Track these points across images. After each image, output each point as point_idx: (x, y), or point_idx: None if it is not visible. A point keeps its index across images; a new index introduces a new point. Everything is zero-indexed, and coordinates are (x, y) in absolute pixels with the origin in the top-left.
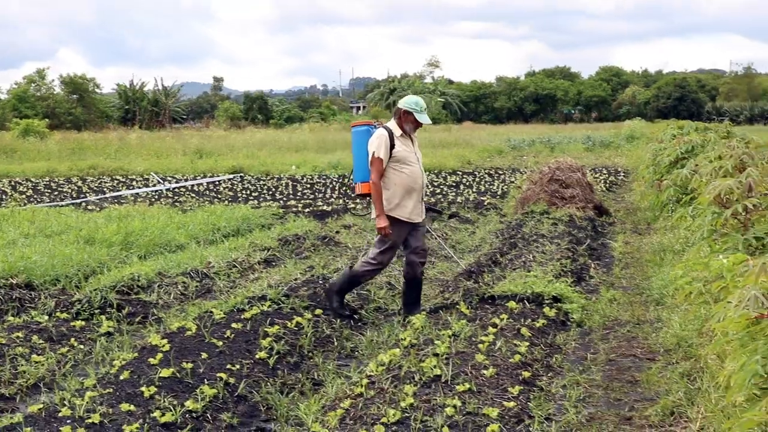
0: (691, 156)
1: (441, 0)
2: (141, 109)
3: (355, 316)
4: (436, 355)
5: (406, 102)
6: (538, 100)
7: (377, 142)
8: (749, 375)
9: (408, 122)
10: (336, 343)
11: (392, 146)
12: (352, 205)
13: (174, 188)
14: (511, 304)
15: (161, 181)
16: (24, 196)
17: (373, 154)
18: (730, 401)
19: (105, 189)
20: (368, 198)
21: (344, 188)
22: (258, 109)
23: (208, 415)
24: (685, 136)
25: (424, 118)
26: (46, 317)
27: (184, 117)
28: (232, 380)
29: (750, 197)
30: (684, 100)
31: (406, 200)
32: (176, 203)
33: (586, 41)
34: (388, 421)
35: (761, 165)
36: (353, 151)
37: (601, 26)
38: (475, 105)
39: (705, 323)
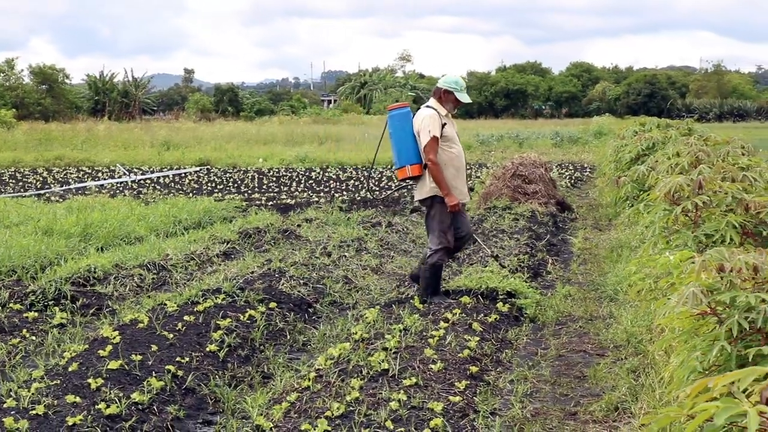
0: (652, 153)
1: None
2: (111, 101)
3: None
4: (385, 349)
5: (446, 81)
6: (508, 95)
7: (430, 122)
8: (688, 371)
9: (448, 102)
10: (288, 337)
11: (443, 126)
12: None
13: (139, 180)
14: (465, 299)
15: (127, 172)
16: None
17: (429, 133)
18: (671, 397)
19: (70, 180)
20: (412, 181)
21: (370, 183)
22: (228, 102)
23: (155, 407)
24: (647, 133)
25: (464, 97)
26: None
27: (155, 109)
28: (180, 373)
29: (700, 194)
30: (654, 96)
31: (457, 180)
32: (140, 195)
33: (558, 37)
34: (332, 414)
35: (717, 162)
36: (394, 136)
37: (573, 22)
38: None
39: (654, 320)
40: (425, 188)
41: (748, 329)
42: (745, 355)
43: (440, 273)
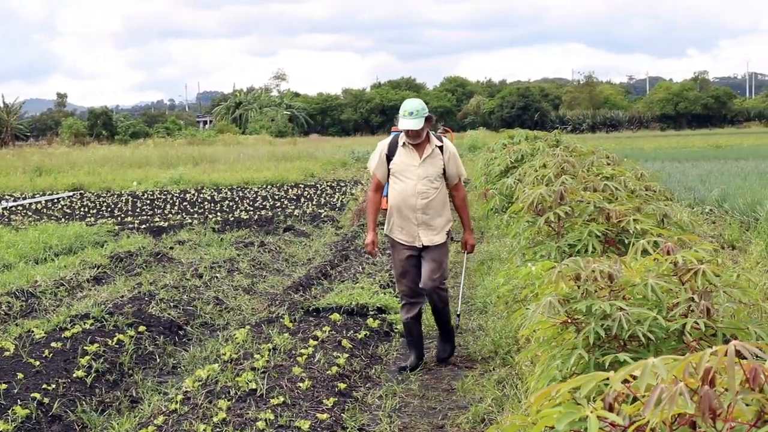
0: (520, 165)
1: (288, 12)
2: None
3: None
4: (253, 369)
5: None
6: (384, 112)
7: (373, 154)
8: (548, 380)
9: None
10: (158, 360)
11: (390, 157)
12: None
13: (10, 207)
14: (335, 316)
15: None
16: None
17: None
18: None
19: None
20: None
21: None
22: (102, 125)
23: None
24: (515, 146)
25: (402, 123)
26: None
27: (28, 134)
28: (46, 400)
29: (562, 205)
30: (528, 109)
31: (398, 219)
32: (10, 222)
33: (432, 52)
34: None
35: (580, 173)
36: None
37: (446, 36)
38: (321, 117)
39: (518, 330)
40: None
41: (605, 337)
42: (603, 363)
43: (408, 330)
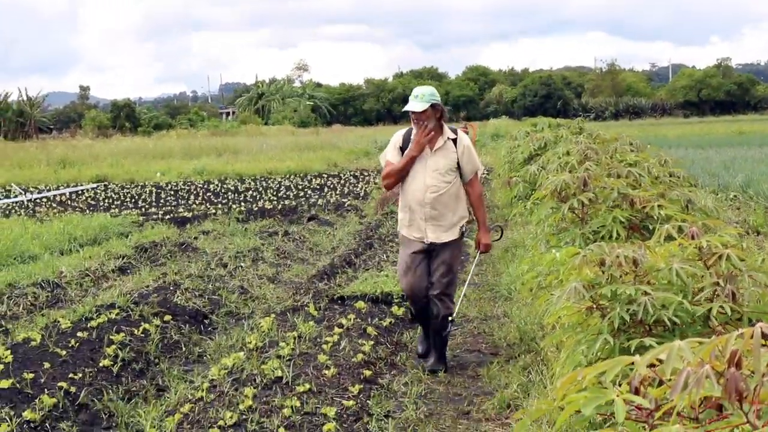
0: (544, 152)
1: (308, 3)
2: (6, 121)
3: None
4: (279, 357)
5: None
6: (406, 101)
7: (387, 147)
8: (573, 365)
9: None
10: (184, 349)
11: (404, 149)
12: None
13: (35, 199)
14: (360, 304)
15: (22, 191)
16: None
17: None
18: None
19: None
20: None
21: None
22: (125, 117)
23: (47, 424)
24: (538, 134)
25: (409, 106)
26: None
27: (51, 127)
28: (73, 389)
29: (585, 191)
30: (550, 97)
31: (407, 214)
32: (35, 214)
33: (453, 41)
34: (225, 423)
35: (603, 159)
36: None
37: (467, 26)
38: (344, 107)
39: (543, 316)
40: None
41: (630, 321)
42: (628, 347)
43: (415, 318)
